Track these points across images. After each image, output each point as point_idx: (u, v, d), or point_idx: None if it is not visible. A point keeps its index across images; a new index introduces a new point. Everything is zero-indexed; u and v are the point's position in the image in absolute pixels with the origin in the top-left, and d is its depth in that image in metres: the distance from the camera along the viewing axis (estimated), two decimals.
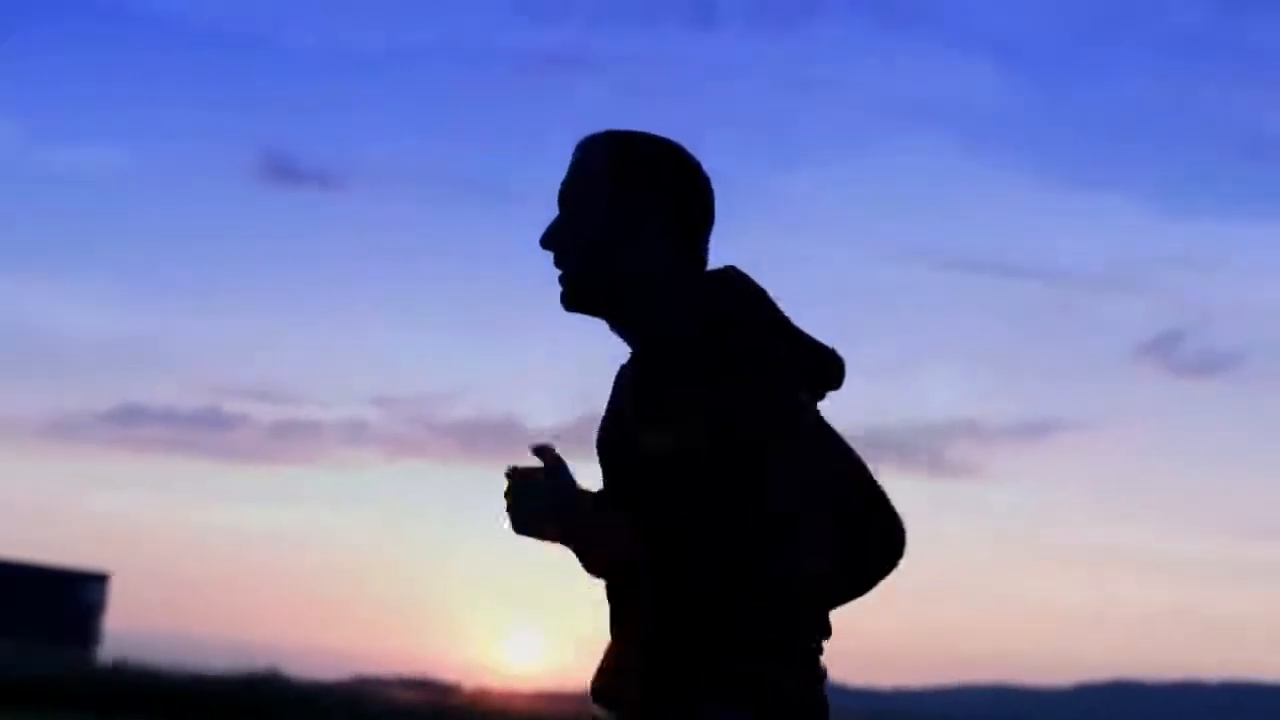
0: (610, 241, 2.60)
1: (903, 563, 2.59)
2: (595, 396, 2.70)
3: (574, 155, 2.67)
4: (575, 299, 2.64)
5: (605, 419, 2.64)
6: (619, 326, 2.63)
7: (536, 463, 2.53)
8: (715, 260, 2.65)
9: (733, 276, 2.60)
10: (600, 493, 2.58)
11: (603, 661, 2.57)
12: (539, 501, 2.49)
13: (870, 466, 2.55)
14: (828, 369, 2.56)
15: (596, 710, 2.57)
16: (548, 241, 2.65)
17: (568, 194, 2.65)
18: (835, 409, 2.57)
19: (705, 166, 2.67)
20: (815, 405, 2.54)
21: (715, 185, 2.67)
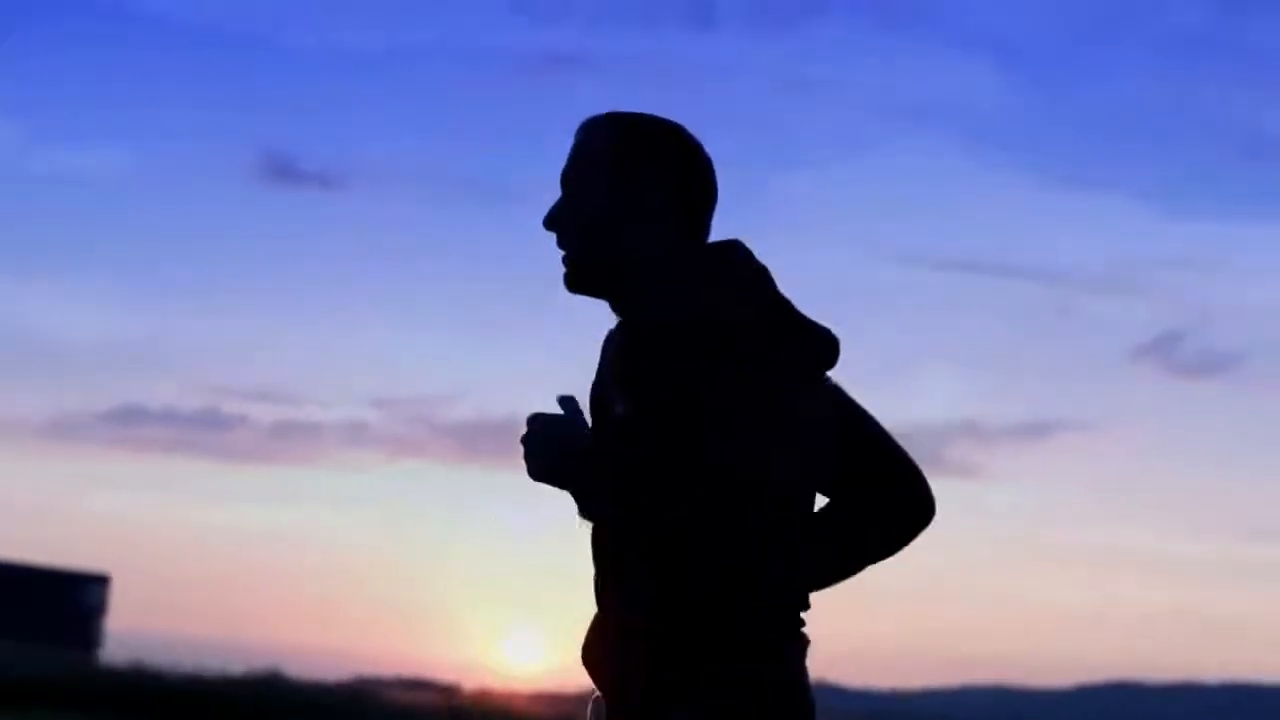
0: (613, 219, 2.61)
1: (917, 540, 2.68)
2: None
3: (576, 136, 2.69)
4: (578, 279, 2.65)
5: (595, 382, 2.65)
6: (620, 307, 2.64)
7: (559, 411, 2.55)
8: None
9: (733, 255, 2.61)
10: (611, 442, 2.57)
11: (589, 633, 2.58)
12: (555, 452, 2.51)
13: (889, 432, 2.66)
14: (822, 350, 2.59)
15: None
16: (550, 222, 2.66)
17: (570, 174, 2.67)
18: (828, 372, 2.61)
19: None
20: (812, 389, 2.57)
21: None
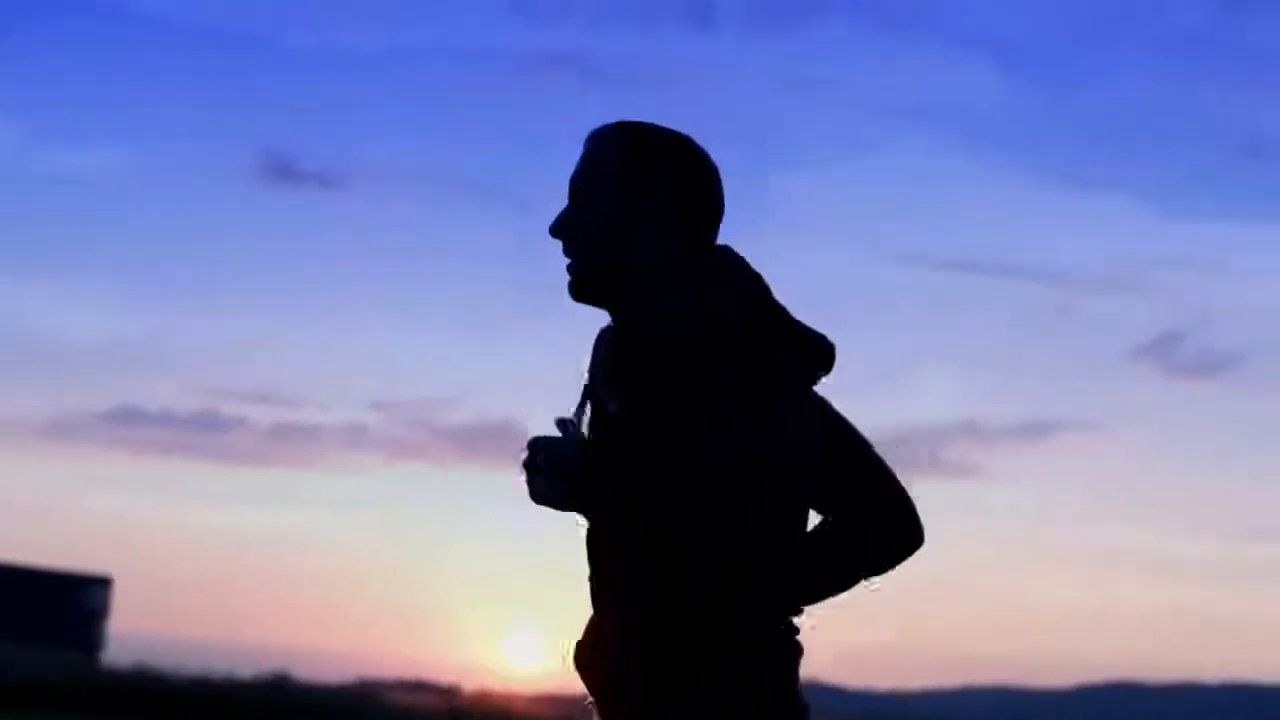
0: (620, 229, 2.61)
1: (910, 559, 2.69)
2: None
3: (585, 145, 2.68)
4: (583, 288, 2.64)
5: (585, 383, 2.63)
6: (623, 316, 2.63)
7: (558, 433, 2.55)
8: None
9: (729, 261, 2.62)
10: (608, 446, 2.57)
11: (584, 634, 2.58)
12: (556, 474, 2.50)
13: (881, 455, 2.67)
14: (819, 356, 2.60)
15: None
16: (557, 230, 2.66)
17: (578, 183, 2.66)
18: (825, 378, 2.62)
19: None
20: (808, 396, 2.59)
21: None
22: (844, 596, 2.67)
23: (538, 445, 2.53)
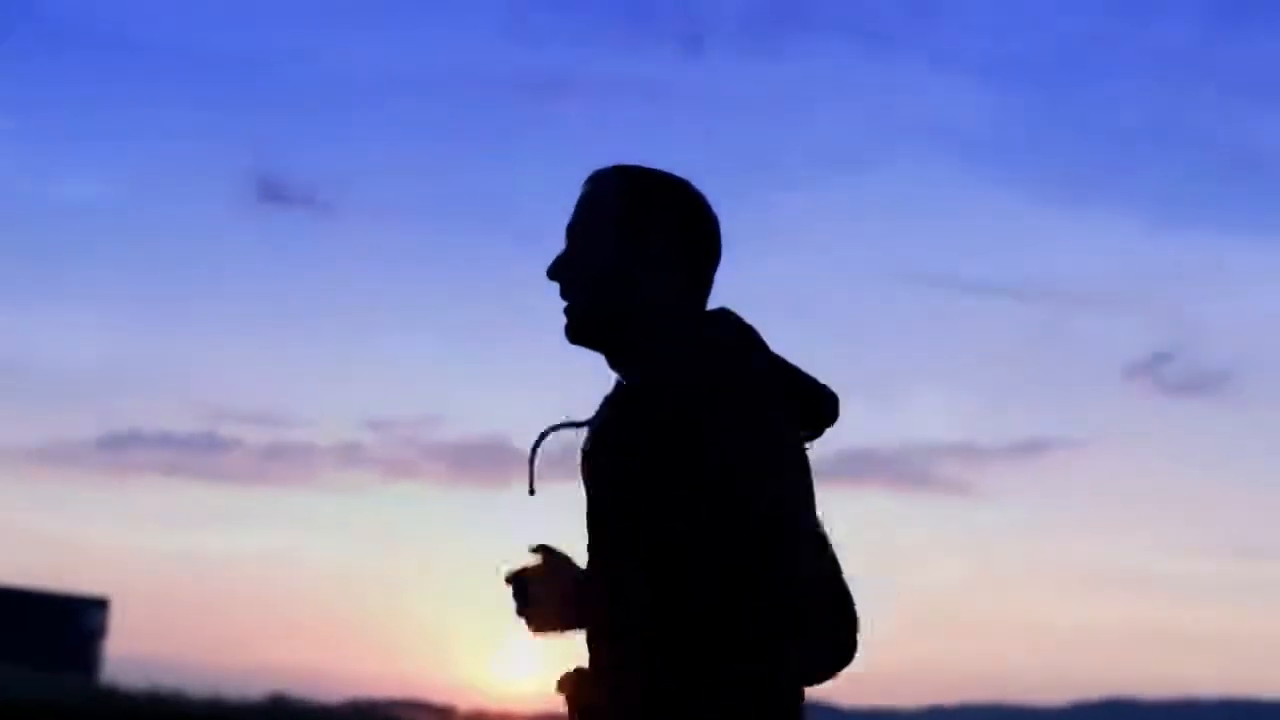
0: (618, 272, 2.61)
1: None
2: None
3: (583, 188, 2.68)
4: (580, 331, 2.64)
5: (586, 441, 2.63)
6: (617, 362, 2.63)
7: (534, 560, 2.55)
8: (717, 287, 2.68)
9: (729, 320, 2.61)
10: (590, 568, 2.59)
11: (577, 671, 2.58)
12: (548, 603, 2.53)
13: (838, 558, 2.62)
14: (823, 406, 2.62)
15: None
16: (555, 273, 2.65)
17: (576, 226, 2.66)
18: (828, 429, 2.63)
19: (699, 187, 2.69)
20: (805, 456, 2.58)
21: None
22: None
23: (522, 579, 2.53)
